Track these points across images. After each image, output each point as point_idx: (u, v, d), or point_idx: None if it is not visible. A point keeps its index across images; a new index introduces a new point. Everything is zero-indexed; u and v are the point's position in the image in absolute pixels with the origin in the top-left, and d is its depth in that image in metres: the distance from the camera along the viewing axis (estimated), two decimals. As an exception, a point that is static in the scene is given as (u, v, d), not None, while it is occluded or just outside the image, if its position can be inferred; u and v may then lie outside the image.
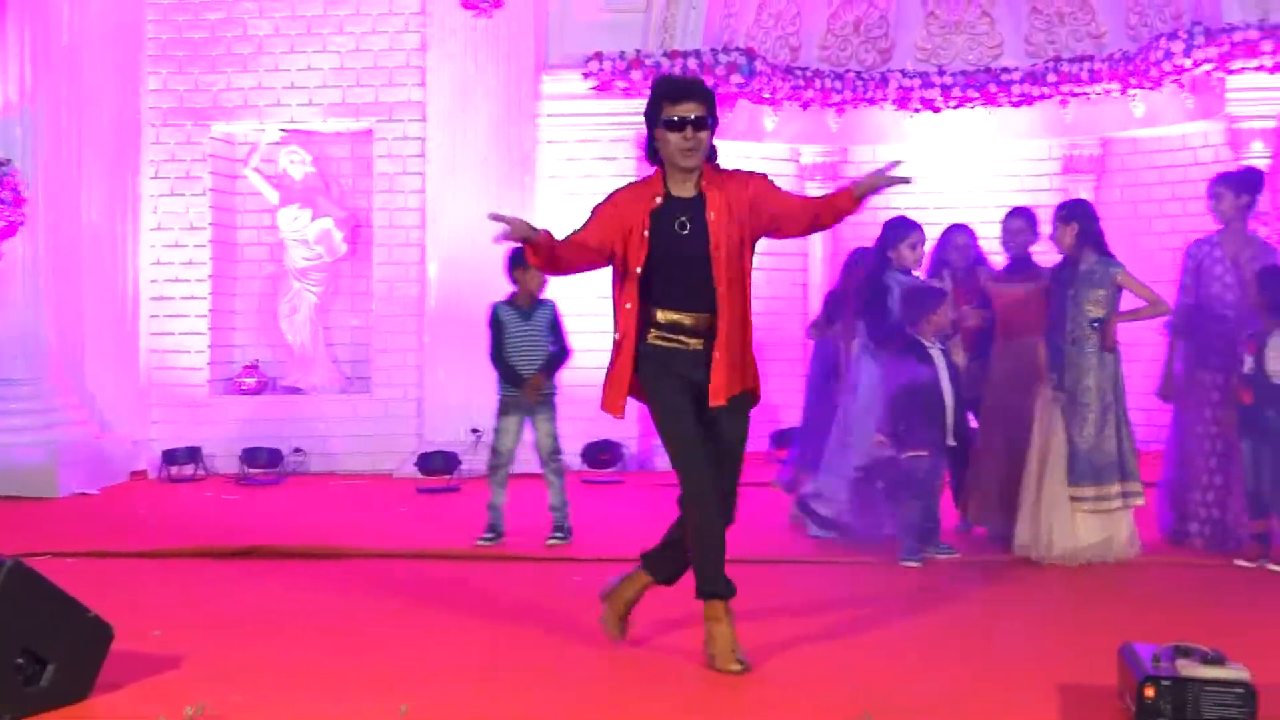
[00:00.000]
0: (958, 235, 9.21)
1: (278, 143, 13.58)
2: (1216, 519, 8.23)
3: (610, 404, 5.76)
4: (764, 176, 5.79)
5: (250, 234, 13.88)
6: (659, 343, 5.68)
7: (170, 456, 12.63)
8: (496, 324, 8.88)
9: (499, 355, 8.86)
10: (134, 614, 6.29)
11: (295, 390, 13.44)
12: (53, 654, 4.98)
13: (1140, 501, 8.12)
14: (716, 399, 5.60)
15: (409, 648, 6.03)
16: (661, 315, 5.66)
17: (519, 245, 5.80)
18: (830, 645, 6.02)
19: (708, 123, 5.63)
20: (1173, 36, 12.57)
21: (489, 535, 8.75)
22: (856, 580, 7.59)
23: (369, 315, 13.39)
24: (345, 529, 9.42)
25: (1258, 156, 12.24)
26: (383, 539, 9.04)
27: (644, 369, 5.71)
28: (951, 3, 14.59)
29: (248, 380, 13.46)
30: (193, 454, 12.69)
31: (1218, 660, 4.63)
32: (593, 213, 5.79)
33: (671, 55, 12.85)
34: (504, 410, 8.87)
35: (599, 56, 12.89)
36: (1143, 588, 7.38)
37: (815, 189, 14.56)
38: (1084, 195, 14.10)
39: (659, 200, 5.68)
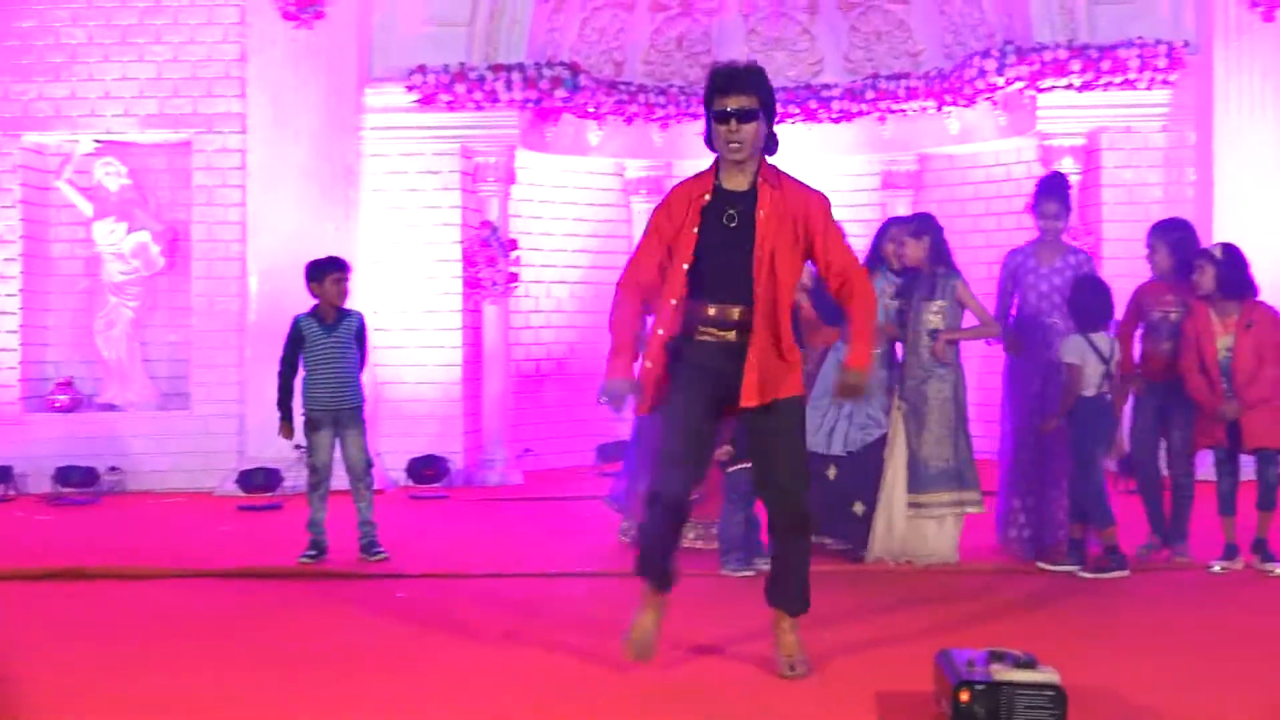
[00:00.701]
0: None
1: (93, 154, 13.26)
2: (1034, 525, 8.42)
3: (643, 407, 5.74)
4: (826, 207, 5.63)
5: (64, 247, 13.52)
6: (704, 338, 5.57)
7: (-21, 476, 12.26)
8: (296, 337, 8.74)
9: (289, 367, 8.73)
10: (-61, 639, 6.09)
11: (111, 407, 13.12)
12: None
13: (978, 509, 8.29)
14: (749, 400, 5.49)
15: (222, 668, 5.91)
16: (708, 309, 5.55)
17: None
18: (674, 658, 6.03)
19: (757, 114, 5.50)
20: (986, 55, 12.88)
21: (311, 553, 8.62)
22: (683, 592, 7.61)
23: (188, 330, 13.13)
24: (164, 549, 9.21)
25: (1067, 172, 12.56)
26: (202, 558, 8.87)
27: (675, 369, 5.63)
28: (772, 20, 14.78)
29: (61, 397, 13.10)
30: (3, 473, 12.32)
31: (1029, 664, 4.73)
32: (649, 224, 5.72)
33: (496, 68, 12.82)
34: (314, 426, 8.72)
35: (423, 69, 12.82)
36: (960, 594, 7.51)
37: (640, 203, 14.68)
38: (901, 210, 14.45)
39: (707, 197, 5.58)
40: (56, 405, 13.08)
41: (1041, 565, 8.03)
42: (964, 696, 4.61)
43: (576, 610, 7.06)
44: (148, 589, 7.77)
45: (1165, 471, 8.37)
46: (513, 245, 13.18)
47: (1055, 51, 12.46)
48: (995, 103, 13.25)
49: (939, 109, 13.67)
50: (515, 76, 12.82)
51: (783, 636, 5.66)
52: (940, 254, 8.29)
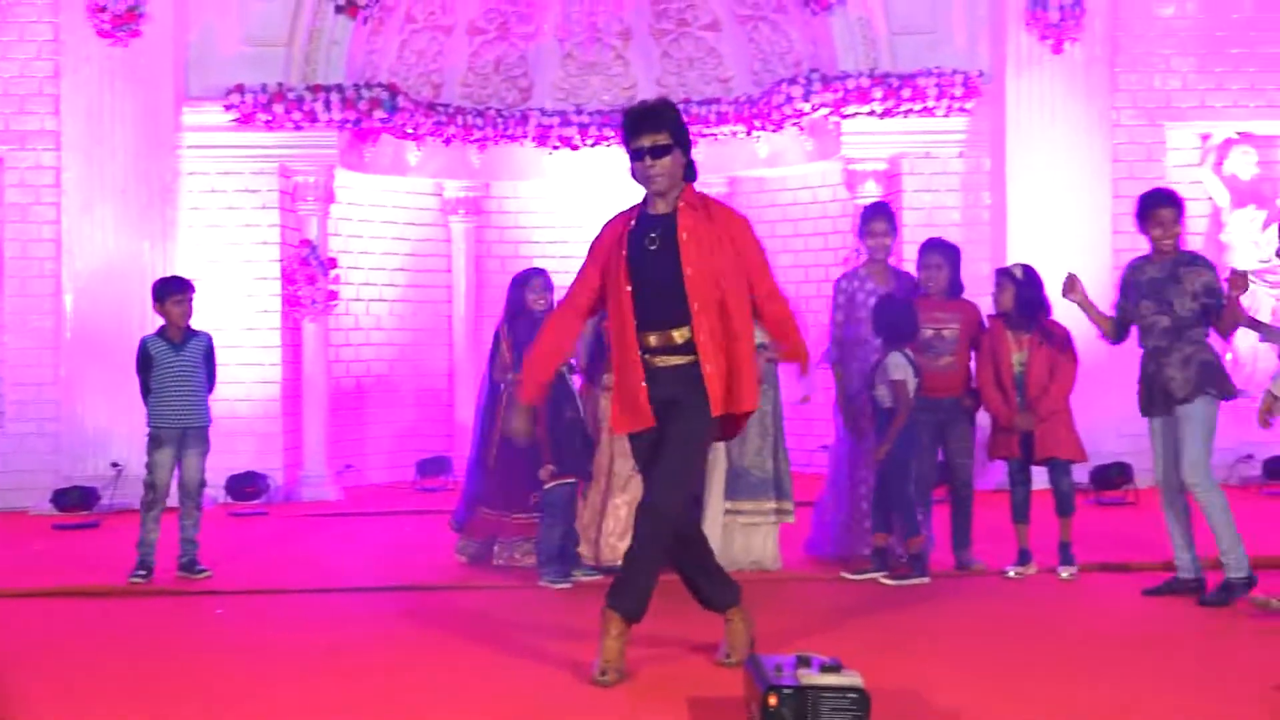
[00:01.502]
0: None
1: (-99, 170, 12.84)
2: (846, 535, 8.60)
3: (620, 424, 5.89)
4: (750, 228, 5.85)
5: None
6: (647, 362, 5.71)
7: None
8: (145, 358, 8.60)
9: (146, 390, 8.59)
10: None
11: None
12: None
13: (790, 519, 8.52)
14: (716, 409, 5.68)
15: (42, 686, 5.78)
16: (644, 336, 5.70)
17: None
18: (471, 667, 6.03)
19: (670, 148, 5.71)
20: (793, 83, 13.11)
21: (141, 573, 8.42)
22: (503, 604, 7.63)
23: (1, 348, 12.75)
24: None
25: (870, 196, 12.85)
26: (15, 578, 8.62)
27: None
28: (587, 45, 14.85)
29: None
30: None
31: (834, 668, 4.82)
32: (590, 250, 5.93)
33: (314, 89, 12.69)
34: (157, 444, 8.55)
35: (240, 89, 12.64)
36: (768, 601, 7.61)
37: (459, 223, 14.67)
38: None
39: (633, 222, 5.80)
40: None
41: (845, 575, 8.17)
42: (772, 701, 4.69)
43: (393, 624, 7.03)
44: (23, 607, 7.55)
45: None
46: (332, 264, 13.05)
47: (858, 80, 12.73)
48: (802, 128, 13.48)
49: (749, 133, 13.87)
50: (334, 97, 12.70)
51: (608, 641, 5.68)
52: None
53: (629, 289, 5.72)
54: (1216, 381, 7.28)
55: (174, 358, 8.58)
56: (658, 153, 5.72)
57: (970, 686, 5.53)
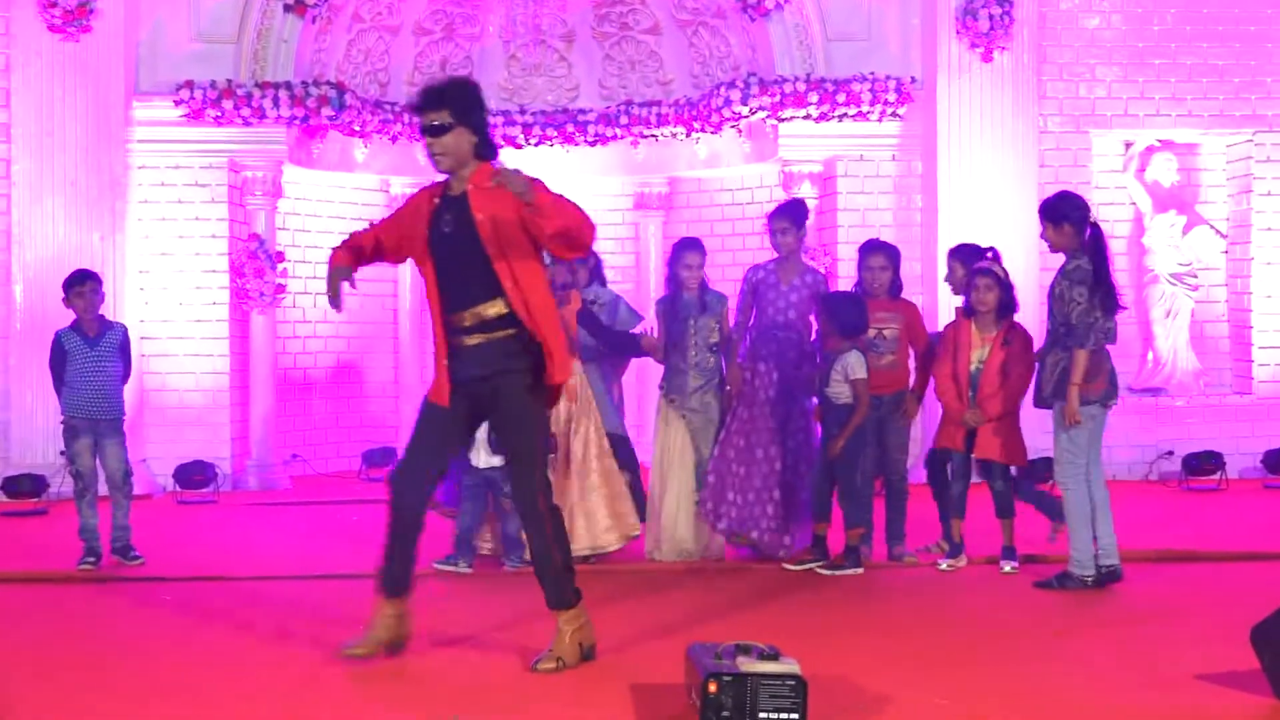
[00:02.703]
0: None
1: None
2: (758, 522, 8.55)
3: (436, 394, 5.73)
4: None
5: None
6: (459, 343, 5.62)
7: None
8: (59, 353, 8.51)
9: (60, 383, 8.51)
10: None
11: None
12: None
13: None
14: (556, 376, 5.63)
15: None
16: (456, 316, 5.61)
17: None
18: (416, 651, 6.00)
19: (449, 127, 5.59)
20: (731, 86, 13.12)
21: (89, 560, 8.34)
22: (456, 590, 7.61)
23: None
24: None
25: (805, 196, 12.87)
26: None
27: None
28: (531, 47, 14.80)
29: None
30: None
31: (773, 656, 4.84)
32: (395, 211, 5.93)
33: (264, 86, 12.57)
34: (73, 434, 8.47)
35: (190, 85, 12.50)
36: (707, 590, 7.64)
37: (404, 218, 14.55)
38: (653, 230, 14.64)
39: (436, 201, 5.69)
40: None
41: (787, 565, 8.17)
42: (712, 688, 4.69)
43: (340, 611, 6.98)
44: None
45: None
46: (280, 258, 12.95)
47: (795, 84, 12.75)
48: (740, 130, 13.50)
49: (688, 135, 13.85)
50: (283, 94, 12.59)
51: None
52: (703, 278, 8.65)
53: (433, 271, 5.67)
54: (1064, 389, 7.37)
55: (89, 351, 8.48)
56: (436, 130, 5.62)
57: (903, 675, 5.56)
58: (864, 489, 8.22)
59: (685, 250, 8.61)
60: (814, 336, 8.54)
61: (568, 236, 5.55)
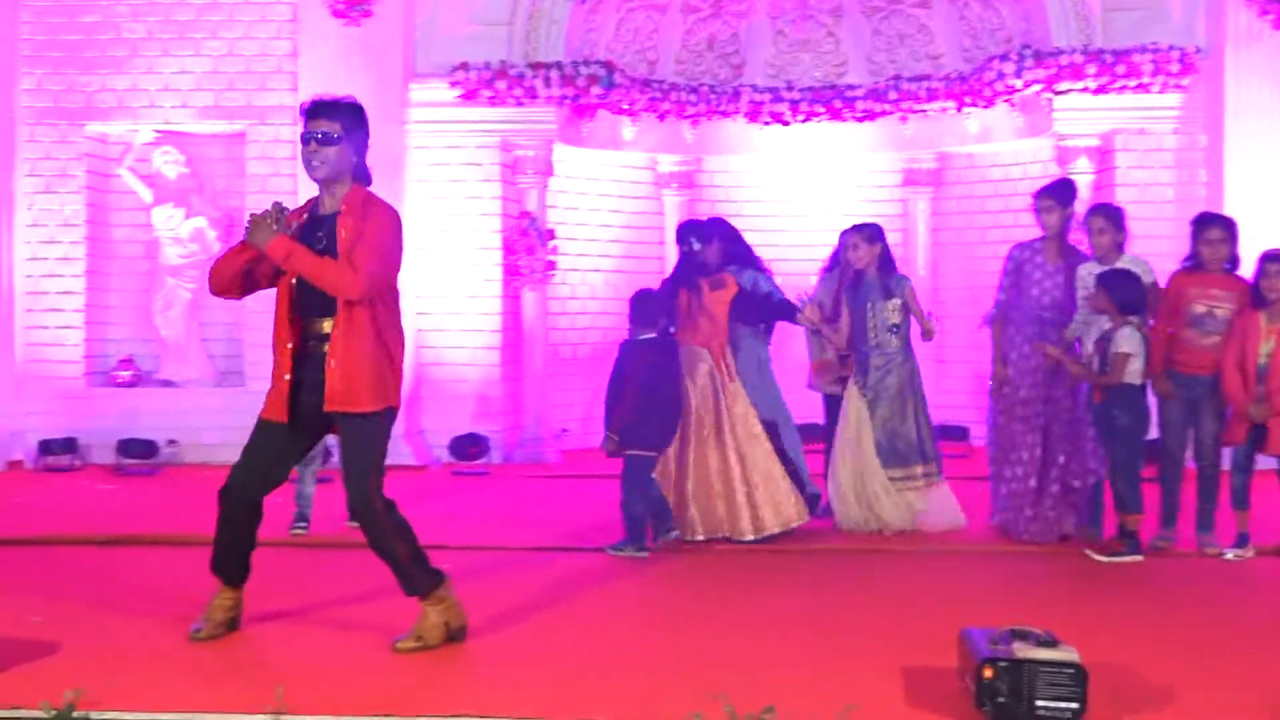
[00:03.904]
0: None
1: (152, 143, 13.30)
2: (1035, 508, 8.35)
3: (274, 411, 5.72)
4: (380, 216, 5.64)
5: (125, 231, 13.56)
6: (311, 350, 5.64)
7: (46, 447, 12.33)
8: None
9: None
10: (13, 600, 6.14)
11: (169, 383, 13.18)
12: (-68, 642, 4.84)
13: (938, 479, 8.78)
14: (329, 405, 5.59)
15: (283, 633, 5.95)
16: (309, 324, 5.63)
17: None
18: (674, 632, 6.03)
19: (337, 139, 5.61)
20: (1004, 59, 12.81)
21: (301, 525, 8.67)
22: (693, 567, 7.64)
23: (242, 311, 13.11)
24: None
25: (1082, 172, 12.52)
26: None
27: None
28: (799, 23, 14.71)
29: (123, 373, 13.16)
30: (69, 445, 12.39)
31: (1050, 642, 4.72)
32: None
33: (535, 66, 12.80)
34: None
35: (465, 66, 12.80)
36: (978, 575, 7.51)
37: (672, 196, 14.68)
38: (922, 207, 14.42)
39: (305, 216, 5.72)
40: (118, 381, 13.14)
41: (1095, 555, 7.83)
42: (987, 673, 4.60)
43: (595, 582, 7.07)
44: (203, 555, 7.76)
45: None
46: (550, 235, 13.17)
47: (1072, 56, 12.38)
48: (1013, 104, 13.17)
49: (959, 109, 13.59)
50: (553, 74, 12.80)
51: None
52: (889, 258, 8.85)
53: (293, 282, 5.61)
54: None
55: None
56: (324, 140, 5.60)
57: (1185, 666, 5.37)
58: (1173, 470, 8.01)
59: (847, 234, 8.94)
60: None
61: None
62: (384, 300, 5.65)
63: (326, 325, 5.59)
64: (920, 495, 8.71)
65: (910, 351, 8.83)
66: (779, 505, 8.30)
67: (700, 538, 8.29)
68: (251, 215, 5.62)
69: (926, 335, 8.76)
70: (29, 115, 12.98)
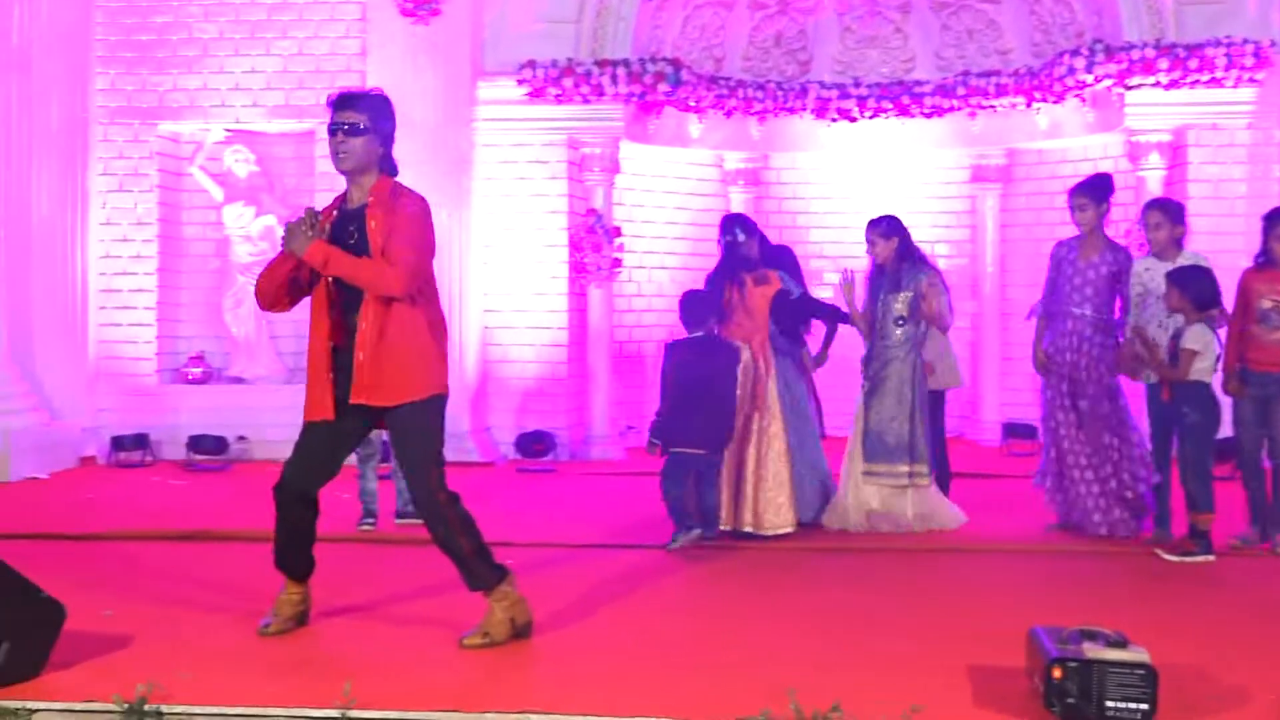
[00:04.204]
0: None
1: (223, 142, 13.44)
2: (1083, 506, 8.34)
3: (317, 411, 5.71)
4: (411, 209, 5.62)
5: (196, 229, 13.71)
6: (345, 351, 5.63)
7: (119, 443, 12.48)
8: None
9: None
10: (85, 595, 6.20)
11: (240, 380, 13.31)
12: (6, 632, 4.90)
13: (925, 483, 8.69)
14: (356, 399, 5.57)
15: (351, 628, 5.99)
16: (349, 320, 5.61)
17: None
18: (741, 630, 6.02)
19: (363, 130, 5.60)
20: (1075, 54, 12.68)
21: (369, 520, 8.71)
22: (753, 565, 7.62)
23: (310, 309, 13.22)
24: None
25: (1153, 168, 12.40)
26: (325, 523, 8.90)
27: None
28: (866, 19, 14.65)
29: (194, 370, 13.31)
30: (140, 441, 12.54)
31: (1120, 643, 4.66)
32: None
33: (601, 64, 12.81)
34: None
35: (532, 64, 12.84)
36: (1041, 573, 7.45)
37: (738, 193, 14.65)
38: (991, 203, 14.31)
39: (336, 213, 5.71)
40: (189, 378, 13.29)
41: (1165, 555, 7.73)
42: (1056, 673, 4.55)
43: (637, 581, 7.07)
44: (270, 550, 7.83)
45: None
46: (616, 232, 13.19)
47: (1143, 50, 12.23)
48: (1083, 99, 13.05)
49: (1028, 105, 13.48)
50: (620, 71, 12.81)
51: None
52: (908, 251, 8.75)
53: (329, 279, 5.60)
54: None
55: None
56: (350, 131, 5.58)
57: (1259, 669, 5.28)
58: (1252, 470, 7.91)
59: (868, 228, 8.89)
60: (1117, 314, 8.32)
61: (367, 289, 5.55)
62: (420, 290, 5.65)
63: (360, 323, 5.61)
64: (905, 495, 8.65)
65: (915, 346, 8.73)
66: (780, 509, 8.30)
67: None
68: (287, 224, 5.65)
69: (940, 328, 8.85)
70: (103, 115, 13.15)
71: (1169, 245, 8.13)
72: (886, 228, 8.78)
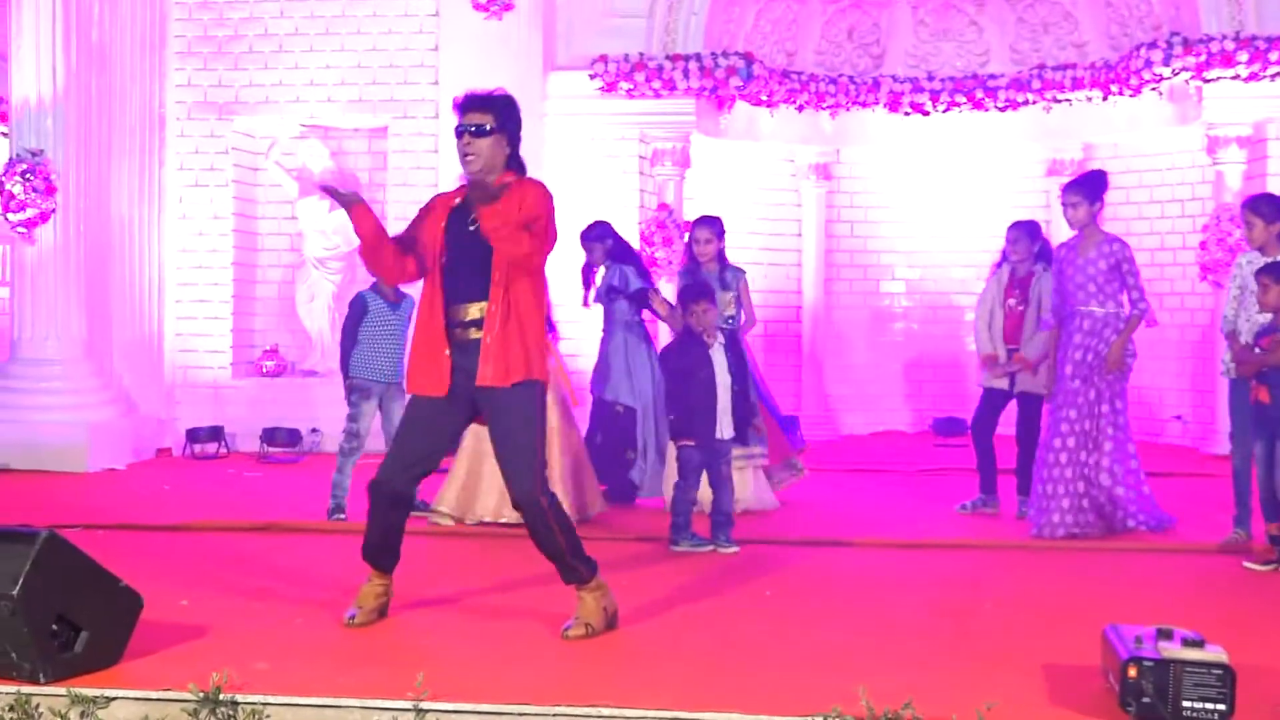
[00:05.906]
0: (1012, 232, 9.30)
1: (298, 137, 13.55)
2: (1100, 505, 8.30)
3: (431, 386, 5.73)
4: (535, 190, 5.64)
5: (271, 224, 13.85)
6: (456, 335, 5.66)
7: (194, 435, 12.63)
8: (359, 312, 8.84)
9: (351, 343, 8.79)
10: (162, 584, 6.27)
11: (313, 374, 13.42)
12: (86, 621, 4.97)
13: (760, 462, 9.12)
14: (483, 380, 5.58)
15: (428, 620, 6.02)
16: (455, 310, 5.65)
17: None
18: (808, 627, 6.00)
19: (489, 131, 5.60)
20: (1152, 46, 12.55)
21: (339, 515, 8.69)
22: (820, 563, 7.59)
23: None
24: (360, 506, 9.31)
25: (1233, 161, 12.25)
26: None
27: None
28: (940, 11, 14.56)
29: (268, 363, 13.44)
30: (216, 433, 12.69)
31: (1197, 643, 4.60)
32: (417, 214, 5.88)
33: (673, 58, 12.82)
34: (364, 395, 8.75)
35: (604, 59, 12.87)
36: (1113, 573, 7.38)
37: (810, 187, 14.60)
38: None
39: (458, 201, 5.74)
40: (264, 371, 13.42)
41: (1248, 565, 7.46)
42: (1132, 672, 4.50)
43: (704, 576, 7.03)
44: (343, 542, 7.91)
45: None
46: (688, 227, 13.14)
47: (1222, 43, 12.10)
48: (1161, 93, 12.89)
49: (1104, 98, 13.35)
50: (692, 66, 12.82)
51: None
52: (722, 254, 9.10)
53: (444, 263, 5.63)
54: None
55: (390, 315, 8.83)
56: (476, 132, 5.57)
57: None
58: None
59: (697, 226, 9.12)
60: (1130, 307, 8.25)
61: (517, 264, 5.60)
62: (535, 278, 5.71)
63: (474, 310, 5.62)
64: (746, 477, 8.97)
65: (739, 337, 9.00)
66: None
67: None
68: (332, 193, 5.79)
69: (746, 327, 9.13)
70: (179, 110, 13.30)
71: (1271, 242, 7.98)
72: (717, 228, 9.08)
